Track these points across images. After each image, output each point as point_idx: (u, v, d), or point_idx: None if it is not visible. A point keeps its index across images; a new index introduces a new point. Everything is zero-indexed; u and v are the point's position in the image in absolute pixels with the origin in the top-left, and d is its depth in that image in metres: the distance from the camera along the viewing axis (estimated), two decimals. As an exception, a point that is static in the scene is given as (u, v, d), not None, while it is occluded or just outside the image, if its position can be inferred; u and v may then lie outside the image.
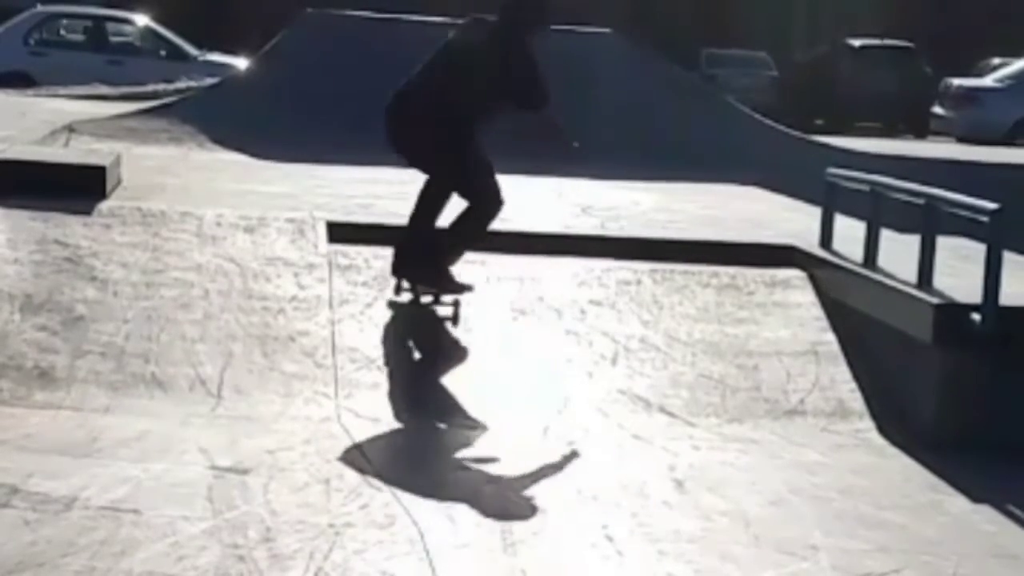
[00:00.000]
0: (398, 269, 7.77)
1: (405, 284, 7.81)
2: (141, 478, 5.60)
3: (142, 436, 6.15)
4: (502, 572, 5.03)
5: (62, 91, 17.72)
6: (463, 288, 7.69)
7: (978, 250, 7.07)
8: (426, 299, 7.81)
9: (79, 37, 23.91)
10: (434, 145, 7.54)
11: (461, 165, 7.57)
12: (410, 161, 7.76)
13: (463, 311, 7.68)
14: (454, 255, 7.77)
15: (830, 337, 7.80)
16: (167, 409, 6.56)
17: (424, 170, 7.76)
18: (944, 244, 7.60)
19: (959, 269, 7.70)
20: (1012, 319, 6.90)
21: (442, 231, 7.73)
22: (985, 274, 6.82)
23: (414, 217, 7.76)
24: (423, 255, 7.68)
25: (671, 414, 7.06)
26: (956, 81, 25.92)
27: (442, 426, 6.70)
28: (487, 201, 7.60)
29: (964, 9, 36.92)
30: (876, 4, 36.49)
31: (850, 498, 6.07)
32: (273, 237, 8.29)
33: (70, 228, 8.06)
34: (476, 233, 7.70)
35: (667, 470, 6.26)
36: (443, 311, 7.73)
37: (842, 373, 7.51)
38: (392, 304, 7.72)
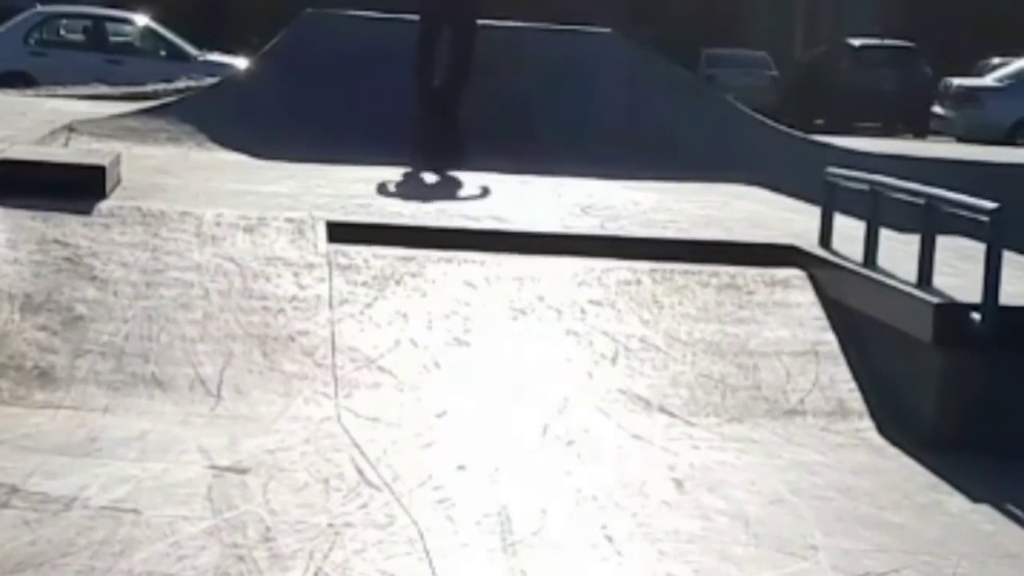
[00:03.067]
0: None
1: None
2: (141, 478, 5.61)
3: (142, 436, 6.15)
4: (502, 572, 5.03)
5: (62, 91, 17.70)
6: None
7: (978, 250, 7.07)
8: None
9: (79, 37, 23.93)
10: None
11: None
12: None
13: (462, 312, 7.69)
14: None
15: (830, 337, 7.80)
16: (167, 409, 6.56)
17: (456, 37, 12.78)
18: (944, 244, 7.60)
19: (959, 269, 7.70)
20: (1012, 319, 6.90)
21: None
22: (985, 273, 6.82)
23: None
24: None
25: (671, 414, 7.06)
26: (956, 81, 25.95)
27: (442, 426, 6.70)
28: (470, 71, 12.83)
29: (964, 9, 36.92)
30: (876, 3, 36.51)
31: (850, 498, 6.07)
32: (273, 237, 8.29)
33: (70, 228, 8.06)
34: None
35: (667, 470, 6.26)
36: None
37: (842, 373, 7.51)
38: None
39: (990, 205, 6.90)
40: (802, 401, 7.27)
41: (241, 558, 4.91)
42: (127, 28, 24.41)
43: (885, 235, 8.10)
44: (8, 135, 11.40)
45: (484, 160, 11.80)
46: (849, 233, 8.44)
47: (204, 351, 7.06)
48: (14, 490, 5.35)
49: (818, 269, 8.36)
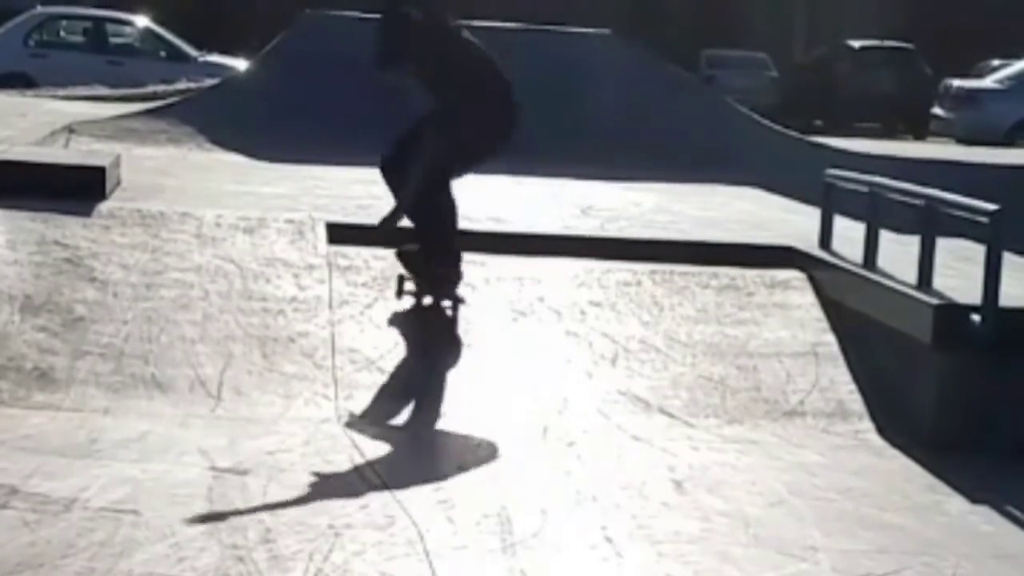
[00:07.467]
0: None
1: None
2: (141, 479, 5.61)
3: (142, 437, 6.16)
4: (501, 573, 5.03)
5: (62, 92, 17.73)
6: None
7: (978, 251, 7.07)
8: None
9: (79, 38, 23.93)
10: None
11: None
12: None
13: (462, 313, 7.69)
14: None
15: (830, 338, 7.80)
16: (167, 410, 6.56)
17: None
18: (944, 245, 7.60)
19: (959, 270, 7.71)
20: (1012, 320, 6.90)
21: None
22: (985, 275, 6.82)
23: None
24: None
25: (671, 415, 7.06)
26: (956, 82, 25.92)
27: (442, 427, 6.71)
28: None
29: (964, 9, 36.92)
30: (876, 4, 36.51)
31: (849, 499, 6.07)
32: (273, 238, 8.29)
33: (70, 229, 8.06)
34: None
35: (667, 471, 6.26)
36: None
37: (842, 374, 7.52)
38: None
39: (990, 207, 6.90)
40: (802, 402, 7.27)
41: (241, 559, 4.91)
42: (127, 29, 24.40)
43: (885, 237, 8.11)
44: (8, 136, 11.42)
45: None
46: (849, 235, 8.45)
47: (204, 352, 7.06)
48: (14, 491, 5.35)
49: (818, 270, 8.36)
